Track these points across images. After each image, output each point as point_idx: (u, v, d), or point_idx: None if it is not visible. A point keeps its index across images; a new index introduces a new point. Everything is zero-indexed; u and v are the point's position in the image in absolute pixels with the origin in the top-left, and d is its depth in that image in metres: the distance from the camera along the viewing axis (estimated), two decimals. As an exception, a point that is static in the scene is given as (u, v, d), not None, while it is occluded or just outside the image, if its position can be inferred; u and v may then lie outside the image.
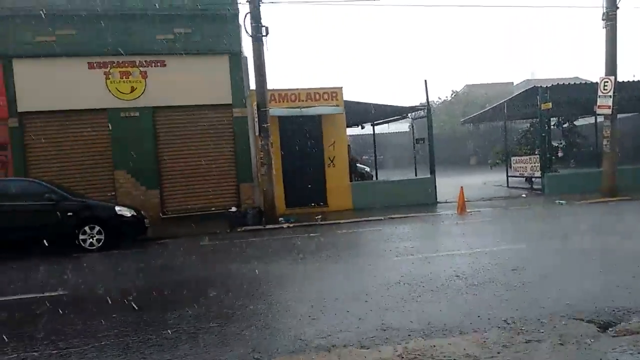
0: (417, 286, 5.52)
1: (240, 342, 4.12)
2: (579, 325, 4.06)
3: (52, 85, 12.76)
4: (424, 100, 16.02)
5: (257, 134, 12.73)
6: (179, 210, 13.78)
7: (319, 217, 12.68)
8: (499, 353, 3.53)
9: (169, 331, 4.47)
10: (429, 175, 15.42)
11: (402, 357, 3.54)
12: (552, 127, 19.10)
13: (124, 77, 13.15)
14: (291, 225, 11.82)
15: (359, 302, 5.07)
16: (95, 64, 12.97)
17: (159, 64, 13.35)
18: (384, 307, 4.82)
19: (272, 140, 12.60)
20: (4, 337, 4.55)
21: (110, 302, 5.70)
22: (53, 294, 6.34)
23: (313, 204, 14.37)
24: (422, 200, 14.65)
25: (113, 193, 13.13)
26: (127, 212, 10.00)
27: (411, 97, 72.69)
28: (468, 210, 12.44)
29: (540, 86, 15.88)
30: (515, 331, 3.95)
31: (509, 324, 4.15)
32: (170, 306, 5.31)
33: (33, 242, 9.63)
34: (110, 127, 13.14)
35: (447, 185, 16.15)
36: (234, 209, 12.75)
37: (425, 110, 16.02)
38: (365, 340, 3.95)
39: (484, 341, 3.77)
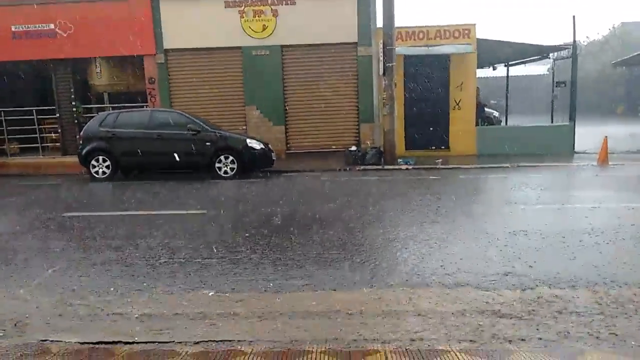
0: (545, 236, 5.23)
1: (359, 270, 4.32)
2: None
3: (193, 23, 13.71)
4: (568, 40, 14.34)
5: (381, 73, 12.52)
6: (301, 146, 14.37)
7: (440, 160, 12.35)
8: (625, 314, 3.26)
9: (295, 253, 4.84)
10: (567, 123, 14.02)
11: (525, 303, 3.45)
12: None
13: (257, 15, 13.63)
14: (410, 167, 11.71)
15: (481, 246, 4.97)
16: (231, 3, 13.59)
17: (289, 2, 13.56)
18: (508, 253, 4.67)
19: (396, 80, 12.32)
20: (156, 246, 5.31)
21: (243, 224, 6.30)
22: (194, 212, 7.16)
23: (434, 148, 14.02)
24: (557, 150, 13.46)
25: (244, 127, 14.06)
26: (256, 145, 10.70)
27: (552, 37, 65.12)
28: (610, 163, 11.20)
29: None
30: (658, 292, 3.60)
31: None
32: (296, 232, 5.71)
33: (176, 168, 10.87)
34: (243, 65, 13.88)
35: (588, 135, 14.57)
36: (353, 148, 12.92)
37: (570, 50, 14.34)
38: (486, 283, 3.90)
39: (611, 297, 3.50)
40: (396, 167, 11.82)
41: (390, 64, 11.95)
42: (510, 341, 2.88)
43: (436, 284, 3.90)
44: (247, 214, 6.94)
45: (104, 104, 14.69)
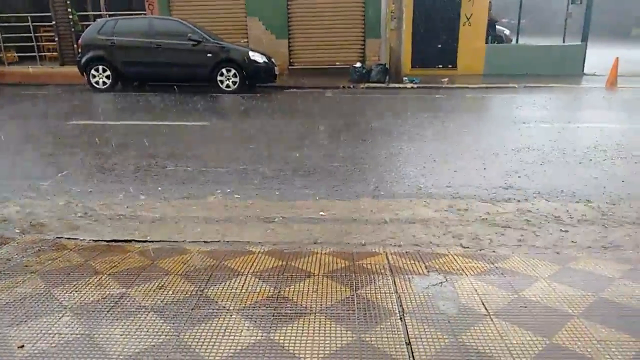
0: (546, 154, 5.27)
1: (362, 182, 4.41)
2: None
3: None
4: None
5: (390, -17, 11.90)
6: (305, 62, 14.00)
7: (446, 79, 12.10)
8: (620, 226, 3.38)
9: (300, 165, 4.91)
10: (579, 43, 13.57)
11: (523, 214, 3.57)
12: None
13: None
14: (415, 85, 11.51)
15: (483, 161, 5.03)
16: None
17: None
18: (509, 169, 4.75)
19: (406, -9, 11.75)
20: (162, 154, 5.37)
21: (247, 136, 6.32)
22: (198, 123, 7.15)
23: (440, 66, 13.68)
24: (567, 71, 13.15)
25: (246, 40, 13.61)
26: (259, 58, 10.41)
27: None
28: (619, 86, 11.01)
29: None
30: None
31: (635, 199, 3.90)
32: (301, 145, 5.75)
33: (178, 79, 10.65)
34: (245, -29, 13.14)
35: (600, 56, 14.18)
36: (358, 64, 12.60)
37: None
38: (487, 195, 4.00)
39: (605, 210, 3.61)
40: (401, 85, 11.61)
41: (401, -26, 11.32)
42: (507, 247, 3.02)
43: (438, 196, 4.01)
44: (250, 128, 6.94)
45: (100, 11, 14.10)
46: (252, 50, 10.70)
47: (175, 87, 10.54)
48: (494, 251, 2.94)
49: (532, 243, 3.08)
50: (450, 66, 13.68)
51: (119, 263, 2.77)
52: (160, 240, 3.13)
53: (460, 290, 2.42)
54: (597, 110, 8.51)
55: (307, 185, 4.31)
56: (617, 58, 11.36)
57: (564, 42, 16.02)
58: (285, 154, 5.39)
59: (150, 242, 3.12)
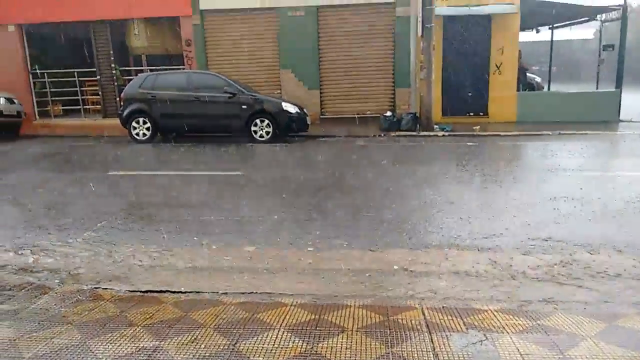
0: (586, 203, 5.11)
1: (396, 232, 4.36)
2: None
3: (229, -16, 13.61)
4: (618, 1, 13.52)
5: (419, 34, 12.19)
6: (336, 111, 14.27)
7: (478, 127, 12.06)
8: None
9: (333, 214, 4.91)
10: (613, 90, 13.40)
11: (564, 267, 3.43)
12: None
13: (292, -25, 13.38)
14: (447, 134, 11.51)
15: (520, 212, 4.92)
16: (266, -37, 13.37)
17: (325, -39, 13.23)
18: (548, 219, 4.61)
19: (435, 42, 11.97)
20: (197, 204, 5.48)
21: (280, 185, 6.41)
22: (231, 173, 7.31)
23: (471, 114, 13.67)
24: (602, 118, 12.90)
25: (279, 91, 14.04)
26: (292, 109, 10.70)
27: (602, -2, 61.29)
28: (659, 132, 10.72)
29: None
30: None
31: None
32: (333, 194, 5.77)
33: (213, 130, 11.02)
34: (278, 26, 13.74)
35: (635, 103, 13.92)
36: (389, 113, 12.74)
37: (620, 11, 13.52)
38: (525, 247, 3.88)
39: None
40: (432, 133, 11.63)
41: (429, 25, 11.58)
42: (548, 302, 2.89)
43: (474, 247, 3.91)
44: (283, 177, 7.04)
45: (141, 66, 14.90)
46: (285, 101, 11.01)
47: (211, 137, 10.88)
48: (535, 307, 2.82)
49: (575, 299, 2.93)
50: (481, 114, 13.66)
51: (153, 314, 2.78)
52: (193, 291, 3.14)
53: (501, 349, 2.31)
54: (635, 159, 8.26)
55: (340, 235, 4.28)
56: (655, 104, 11.12)
57: (597, 88, 15.86)
58: (318, 203, 5.41)
59: (183, 292, 3.13)
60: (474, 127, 12.01)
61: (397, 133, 11.75)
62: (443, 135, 11.36)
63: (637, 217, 4.65)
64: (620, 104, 13.18)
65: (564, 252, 3.73)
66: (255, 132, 10.49)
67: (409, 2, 13.22)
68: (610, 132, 11.30)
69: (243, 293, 3.09)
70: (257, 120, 10.47)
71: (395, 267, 3.52)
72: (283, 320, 2.67)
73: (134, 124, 10.88)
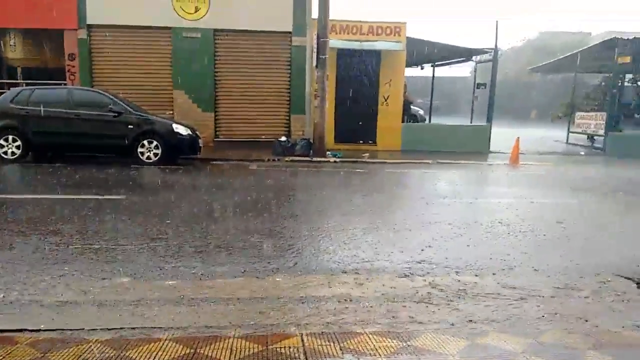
0: (458, 227, 5.57)
1: (281, 257, 4.37)
2: (615, 279, 4.03)
3: (121, 0, 13.00)
4: (491, 44, 15.26)
5: (314, 65, 12.61)
6: (230, 135, 14.15)
7: (367, 154, 12.70)
8: (522, 299, 3.58)
9: (218, 241, 4.79)
10: (485, 123, 14.94)
11: (433, 288, 3.68)
12: (626, 83, 17.81)
13: (189, -4, 13.19)
14: (338, 160, 11.94)
15: (399, 236, 5.20)
16: (161, -19, 13.04)
17: (223, -15, 13.25)
18: (423, 243, 4.93)
19: (329, 73, 12.47)
20: (69, 231, 5.04)
21: (164, 210, 6.12)
22: (113, 197, 6.85)
23: (362, 142, 14.39)
24: (475, 149, 14.33)
25: (171, 112, 13.60)
26: (183, 130, 10.38)
27: (476, 41, 68.60)
28: (521, 162, 12.10)
29: (621, 37, 14.64)
30: (550, 279, 3.97)
31: (536, 270, 4.17)
32: (220, 219, 5.65)
33: (95, 150, 10.31)
34: (172, 46, 13.39)
35: (503, 136, 15.63)
36: (283, 138, 12.94)
37: (492, 54, 15.27)
38: (401, 269, 4.10)
39: (509, 283, 3.83)
40: (324, 159, 11.99)
41: (324, 56, 12.06)
42: (420, 323, 3.06)
43: (355, 271, 4.04)
44: (169, 201, 6.76)
45: (17, 79, 13.58)
46: (176, 123, 10.68)
47: (93, 158, 10.15)
48: (407, 328, 2.97)
49: (443, 318, 3.15)
50: (370, 142, 14.42)
51: (3, 358, 2.47)
52: (56, 329, 2.85)
53: (372, 372, 2.39)
54: (502, 187, 9.23)
55: (224, 262, 4.19)
56: (518, 138, 12.58)
57: (471, 122, 17.58)
58: (204, 228, 5.25)
59: (44, 330, 2.83)
60: (363, 154, 12.62)
61: (291, 158, 11.93)
62: (334, 162, 11.76)
63: (498, 240, 5.16)
64: (490, 137, 14.71)
65: (436, 274, 4.00)
66: (142, 153, 10.00)
67: (305, 32, 13.68)
68: (481, 162, 12.53)
69: (112, 329, 2.86)
70: (145, 142, 10.00)
71: (280, 293, 3.52)
72: (155, 356, 2.51)
73: (1, 141, 9.81)
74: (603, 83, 19.17)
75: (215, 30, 13.51)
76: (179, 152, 10.54)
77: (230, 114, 14.18)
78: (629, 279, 4.06)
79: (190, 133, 10.56)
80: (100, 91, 10.76)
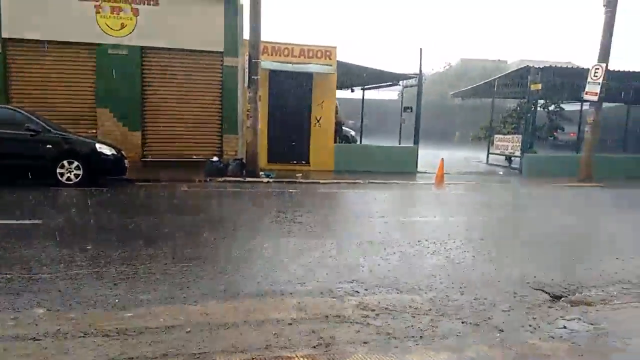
0: (388, 246, 5.71)
1: (211, 282, 4.26)
2: (532, 292, 4.30)
3: (40, 13, 12.32)
4: (416, 69, 16.00)
5: (246, 85, 12.58)
6: (159, 154, 13.69)
7: (300, 175, 12.77)
8: (445, 314, 3.73)
9: (141, 267, 4.58)
10: (412, 145, 15.56)
11: (363, 308, 3.73)
12: (538, 108, 19.32)
13: (115, 12, 12.74)
14: (271, 180, 11.90)
15: (330, 256, 5.24)
16: (85, -5, 12.53)
17: (151, 3, 12.94)
18: (354, 262, 5.01)
19: (261, 93, 12.48)
20: (-21, 257, 4.62)
21: (84, 236, 5.78)
22: (27, 222, 6.38)
23: (295, 162, 14.46)
24: (404, 169, 14.84)
25: (94, 131, 12.96)
26: (107, 150, 9.90)
27: (403, 66, 71.85)
28: (445, 182, 12.69)
29: (533, 66, 15.93)
30: (471, 294, 4.17)
31: (465, 287, 4.37)
32: (145, 244, 5.41)
33: (10, 171, 9.55)
34: (97, 63, 12.84)
35: (429, 157, 16.37)
36: (215, 158, 12.72)
37: (417, 79, 16.02)
38: (332, 290, 4.13)
39: (437, 300, 3.98)
40: (257, 179, 11.90)
41: (255, 77, 12.07)
42: (350, 344, 3.09)
43: (287, 293, 4.02)
44: (90, 226, 6.39)
45: None
46: (99, 142, 10.17)
47: (6, 180, 9.40)
48: (339, 349, 2.99)
49: (372, 337, 3.20)
50: (303, 162, 14.53)
51: None
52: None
53: (302, 397, 2.37)
54: (428, 206, 9.64)
55: (149, 289, 4.01)
56: (443, 159, 13.20)
57: (399, 143, 18.26)
58: (127, 255, 5.00)
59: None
60: (297, 175, 12.67)
61: (224, 178, 11.73)
62: (268, 182, 11.71)
63: (427, 256, 5.35)
64: (417, 158, 15.33)
65: (365, 293, 4.07)
66: (62, 174, 9.40)
67: (237, 53, 13.64)
68: (409, 182, 12.99)
69: (22, 367, 2.64)
70: (65, 162, 9.41)
71: (207, 319, 3.42)
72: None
73: None
74: (518, 108, 20.66)
75: (143, 47, 13.12)
76: (102, 172, 10.03)
77: (159, 134, 13.74)
78: (543, 291, 4.36)
79: (115, 153, 10.09)
80: (14, 108, 10.03)
